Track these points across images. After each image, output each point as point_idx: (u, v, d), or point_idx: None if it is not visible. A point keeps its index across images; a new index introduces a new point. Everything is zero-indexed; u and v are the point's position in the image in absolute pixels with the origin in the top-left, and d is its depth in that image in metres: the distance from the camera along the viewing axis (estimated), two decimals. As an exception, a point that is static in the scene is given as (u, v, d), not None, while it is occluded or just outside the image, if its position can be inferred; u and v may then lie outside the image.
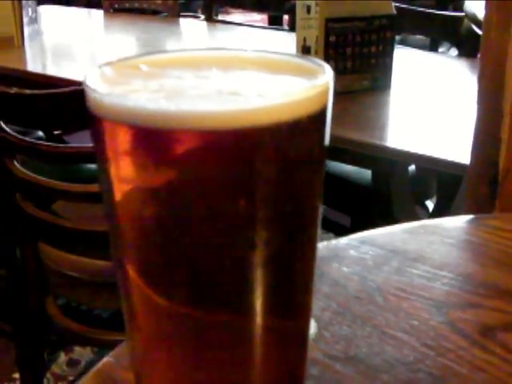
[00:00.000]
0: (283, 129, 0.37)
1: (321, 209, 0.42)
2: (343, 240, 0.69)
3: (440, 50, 3.26)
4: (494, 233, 0.70)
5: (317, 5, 1.90)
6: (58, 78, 2.12)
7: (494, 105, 1.10)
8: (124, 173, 0.39)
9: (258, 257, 0.39)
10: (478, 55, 2.20)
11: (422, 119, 1.73)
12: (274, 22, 3.74)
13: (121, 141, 0.38)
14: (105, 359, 0.53)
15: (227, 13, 5.72)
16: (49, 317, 1.73)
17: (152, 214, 0.39)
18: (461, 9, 4.01)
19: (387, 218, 1.93)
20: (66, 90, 1.45)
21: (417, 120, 1.73)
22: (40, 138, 2.21)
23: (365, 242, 0.68)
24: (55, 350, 2.29)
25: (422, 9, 2.61)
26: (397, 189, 1.90)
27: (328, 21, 1.78)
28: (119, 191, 0.40)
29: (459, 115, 1.75)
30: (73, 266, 1.74)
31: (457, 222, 0.74)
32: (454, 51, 3.65)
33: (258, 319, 0.40)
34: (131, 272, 0.42)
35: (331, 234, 2.33)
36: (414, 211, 2.10)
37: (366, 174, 2.05)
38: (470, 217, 0.78)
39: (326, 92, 0.40)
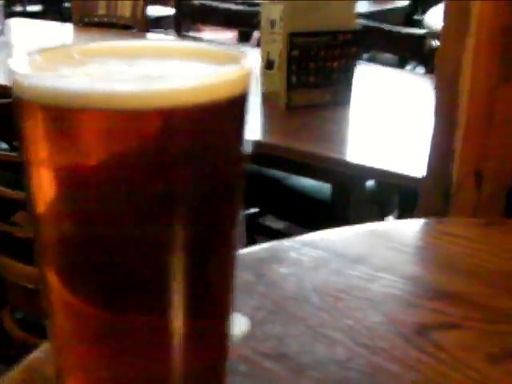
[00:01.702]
0: (201, 110, 0.37)
1: (241, 204, 0.42)
2: (286, 242, 0.69)
3: (408, 67, 3.29)
4: (438, 236, 0.70)
5: (281, 19, 1.91)
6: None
7: (449, 117, 1.11)
8: (42, 155, 0.38)
9: (175, 251, 0.38)
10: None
11: (382, 134, 1.74)
12: (244, 39, 3.75)
13: (39, 122, 0.38)
14: (33, 354, 0.53)
15: (199, 30, 5.73)
16: (5, 331, 1.70)
17: (68, 198, 0.38)
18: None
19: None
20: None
21: (376, 134, 1.73)
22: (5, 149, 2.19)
23: (307, 244, 0.68)
24: (13, 364, 2.25)
25: (388, 27, 2.62)
26: (355, 203, 1.90)
27: (291, 35, 1.79)
28: (37, 176, 0.39)
29: (420, 130, 1.75)
30: (30, 277, 1.72)
31: (403, 226, 0.74)
32: (421, 69, 3.69)
33: (175, 320, 0.40)
34: (47, 270, 0.41)
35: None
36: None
37: (326, 188, 2.05)
38: (416, 221, 0.78)
39: (245, 77, 0.40)
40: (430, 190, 1.19)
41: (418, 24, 3.95)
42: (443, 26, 1.08)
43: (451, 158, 1.13)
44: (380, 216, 2.38)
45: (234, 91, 0.39)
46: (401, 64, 3.05)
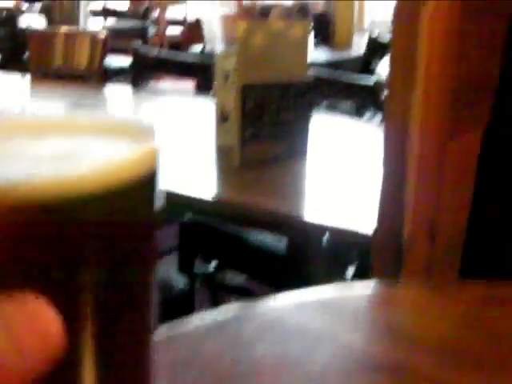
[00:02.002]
0: (94, 200, 0.34)
1: (155, 284, 0.39)
2: (223, 311, 0.66)
3: (367, 114, 3.30)
4: (382, 302, 0.68)
5: (235, 72, 1.90)
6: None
7: (399, 171, 1.10)
8: None
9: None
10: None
11: (339, 187, 1.73)
12: (203, 89, 3.74)
13: None
14: None
15: (159, 80, 5.73)
16: None
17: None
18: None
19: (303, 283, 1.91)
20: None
21: (333, 188, 1.72)
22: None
23: (246, 315, 0.65)
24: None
25: (343, 77, 2.63)
26: (312, 257, 1.88)
27: (245, 88, 1.78)
28: None
29: (377, 183, 1.74)
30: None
31: (345, 292, 0.72)
32: (379, 116, 3.71)
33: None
34: None
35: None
36: (330, 281, 2.08)
37: (283, 242, 2.03)
38: (360, 285, 0.75)
39: (149, 158, 0.37)
40: (382, 246, 1.17)
41: (374, 72, 3.99)
42: (389, 81, 1.08)
43: (402, 213, 1.11)
44: (338, 269, 2.36)
45: (136, 173, 0.36)
46: (359, 111, 3.06)
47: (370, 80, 2.46)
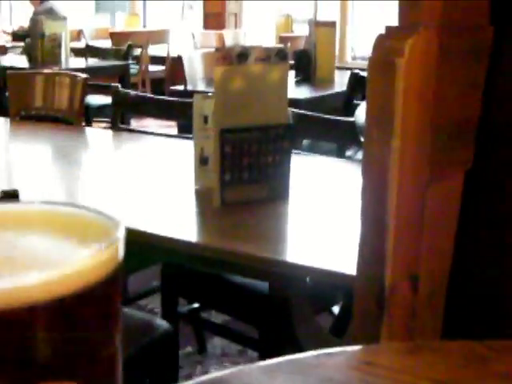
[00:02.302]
0: (58, 305, 0.31)
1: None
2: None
3: (348, 153, 3.30)
4: (359, 367, 0.65)
5: (213, 115, 1.89)
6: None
7: (378, 219, 1.08)
8: None
9: None
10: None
11: (321, 229, 1.71)
12: (184, 129, 3.74)
13: None
14: None
15: (141, 119, 5.73)
16: None
17: None
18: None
19: (290, 329, 1.89)
20: None
21: (315, 230, 1.70)
22: None
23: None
24: None
25: (325, 116, 2.62)
26: (295, 299, 1.85)
27: (223, 131, 1.76)
28: None
29: (355, 224, 1.73)
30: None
31: (322, 357, 0.69)
32: (361, 154, 3.70)
33: None
34: None
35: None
36: (314, 323, 2.06)
37: (265, 283, 2.01)
38: (335, 350, 0.73)
39: (110, 258, 0.35)
40: (362, 293, 1.15)
41: (355, 108, 3.99)
42: (365, 129, 1.06)
43: (383, 261, 1.09)
44: (323, 308, 2.34)
45: (97, 277, 0.34)
46: (340, 150, 3.05)
47: (351, 118, 2.46)
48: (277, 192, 1.85)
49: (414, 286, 1.14)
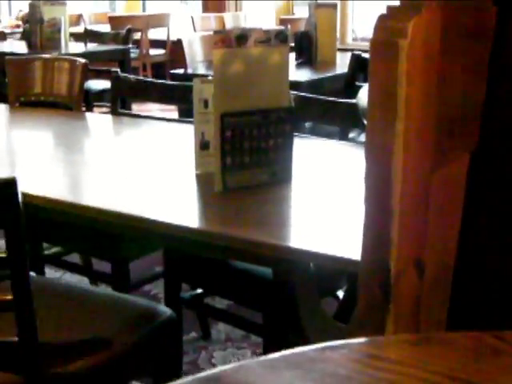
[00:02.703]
0: None
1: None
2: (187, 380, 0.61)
3: (351, 135, 3.27)
4: (364, 361, 0.63)
5: (213, 99, 1.86)
6: None
7: (382, 205, 1.06)
8: None
9: None
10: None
11: (325, 213, 1.69)
12: (185, 113, 3.71)
13: None
14: None
15: (140, 104, 5.70)
16: None
17: None
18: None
19: (294, 315, 1.87)
20: None
21: (319, 214, 1.68)
22: None
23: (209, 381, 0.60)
24: None
25: (324, 97, 2.60)
26: (299, 285, 1.83)
27: (223, 115, 1.74)
28: None
29: (358, 207, 1.71)
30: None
31: (324, 351, 0.67)
32: (364, 136, 3.68)
33: None
34: None
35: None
36: (319, 308, 2.04)
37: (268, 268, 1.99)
38: (340, 343, 0.70)
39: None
40: (367, 279, 1.12)
41: (357, 89, 3.95)
42: (368, 112, 1.03)
43: (388, 248, 1.07)
44: (327, 292, 2.32)
45: None
46: (342, 132, 3.02)
47: (352, 100, 2.43)
48: (279, 176, 1.83)
49: (420, 273, 1.12)
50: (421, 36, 1.00)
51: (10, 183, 1.41)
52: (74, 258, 3.19)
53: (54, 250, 3.02)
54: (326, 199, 1.79)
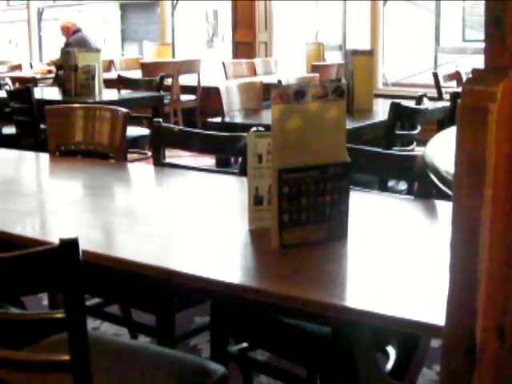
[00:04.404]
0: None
1: None
2: None
3: (390, 183, 3.24)
4: None
5: (268, 153, 1.84)
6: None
7: (468, 274, 1.02)
8: None
9: None
10: (434, 200, 2.16)
11: (382, 272, 1.65)
12: (223, 163, 3.71)
13: None
14: None
15: (178, 155, 5.72)
16: None
17: None
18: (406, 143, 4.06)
19: (349, 369, 1.83)
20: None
21: (376, 273, 1.64)
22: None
23: None
24: None
25: (373, 149, 2.57)
26: (359, 342, 1.79)
27: (281, 171, 1.71)
28: None
29: (422, 265, 1.67)
30: None
31: None
32: (403, 184, 3.65)
33: None
34: None
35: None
36: (376, 362, 2.00)
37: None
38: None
39: None
40: (451, 348, 1.09)
41: (397, 138, 3.94)
42: (456, 177, 1.01)
43: (474, 317, 1.03)
44: (379, 348, 2.27)
45: None
46: (382, 181, 3.00)
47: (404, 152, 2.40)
48: (335, 232, 1.79)
49: (502, 340, 1.09)
50: (509, 99, 0.98)
51: (72, 244, 1.39)
52: (113, 307, 3.16)
53: (95, 300, 2.99)
54: (382, 256, 1.75)
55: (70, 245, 1.39)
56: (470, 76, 1.01)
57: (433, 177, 1.45)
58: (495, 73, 1.00)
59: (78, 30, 8.70)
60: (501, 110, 0.97)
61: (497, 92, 0.97)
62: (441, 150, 1.56)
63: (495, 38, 1.01)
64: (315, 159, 1.75)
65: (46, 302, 3.38)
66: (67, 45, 8.21)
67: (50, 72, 8.64)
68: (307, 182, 1.75)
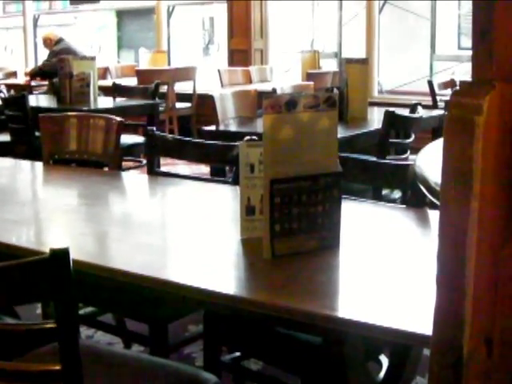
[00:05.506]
0: None
1: None
2: None
3: (384, 192, 3.25)
4: None
5: (260, 163, 1.85)
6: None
7: (455, 284, 1.03)
8: None
9: None
10: (426, 208, 2.16)
11: (373, 282, 1.65)
12: (218, 171, 3.71)
13: None
14: None
15: (173, 163, 5.72)
16: None
17: None
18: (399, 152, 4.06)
19: (340, 379, 1.83)
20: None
21: (368, 283, 1.65)
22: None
23: None
24: None
25: (367, 158, 2.58)
26: (350, 352, 1.80)
27: (273, 182, 1.72)
28: None
29: (414, 275, 1.68)
30: None
31: None
32: (397, 193, 3.65)
33: None
34: None
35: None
36: (367, 371, 2.00)
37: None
38: None
39: None
40: (438, 359, 1.09)
41: (391, 146, 3.95)
42: (442, 190, 1.01)
43: (461, 328, 1.04)
44: (372, 357, 2.27)
45: None
46: (375, 190, 3.01)
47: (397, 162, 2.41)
48: (327, 242, 1.80)
49: (489, 351, 1.09)
50: (495, 112, 0.98)
51: (63, 254, 1.40)
52: (107, 317, 3.15)
53: (88, 309, 2.99)
54: (374, 266, 1.75)
55: (61, 255, 1.40)
56: (458, 88, 1.01)
57: (422, 188, 1.45)
58: (482, 85, 1.00)
59: (60, 40, 8.67)
60: (487, 123, 0.98)
61: (483, 104, 0.97)
62: (431, 161, 1.56)
63: (482, 51, 1.02)
64: (307, 169, 1.76)
65: (39, 310, 3.38)
66: (54, 54, 8.18)
67: (29, 82, 8.60)
68: (299, 192, 1.75)
